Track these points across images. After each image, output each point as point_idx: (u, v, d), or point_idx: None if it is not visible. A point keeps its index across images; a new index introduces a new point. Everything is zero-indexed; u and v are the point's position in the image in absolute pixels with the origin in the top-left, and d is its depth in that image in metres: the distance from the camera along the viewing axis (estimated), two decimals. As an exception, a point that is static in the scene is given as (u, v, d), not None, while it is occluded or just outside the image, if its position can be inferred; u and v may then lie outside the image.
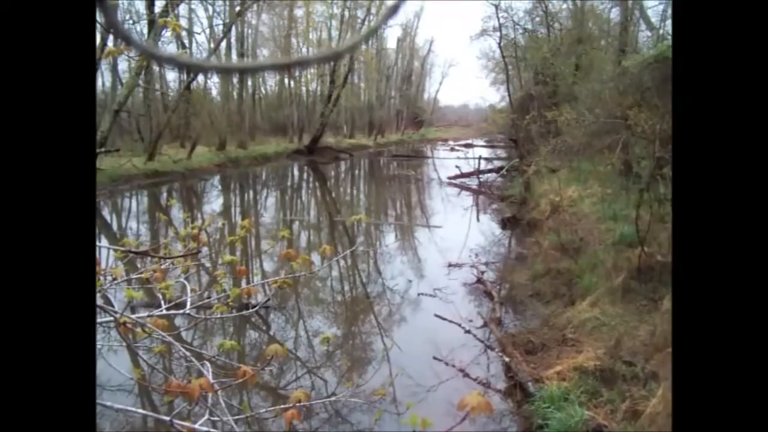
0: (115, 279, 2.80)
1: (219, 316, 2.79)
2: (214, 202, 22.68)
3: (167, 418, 2.19)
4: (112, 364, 4.03)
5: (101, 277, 2.70)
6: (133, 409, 3.86)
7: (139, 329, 2.51)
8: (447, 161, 34.91)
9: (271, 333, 8.69)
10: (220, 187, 27.50)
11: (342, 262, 12.48)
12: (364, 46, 51.11)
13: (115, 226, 17.15)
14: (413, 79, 72.85)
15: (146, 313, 2.67)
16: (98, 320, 2.71)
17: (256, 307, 4.34)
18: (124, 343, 2.67)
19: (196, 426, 2.16)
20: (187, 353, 2.66)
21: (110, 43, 23.64)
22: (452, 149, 49.08)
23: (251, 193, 26.84)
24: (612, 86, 12.01)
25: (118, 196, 21.82)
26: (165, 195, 23.65)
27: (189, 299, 2.88)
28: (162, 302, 2.85)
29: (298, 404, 2.20)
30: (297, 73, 47.56)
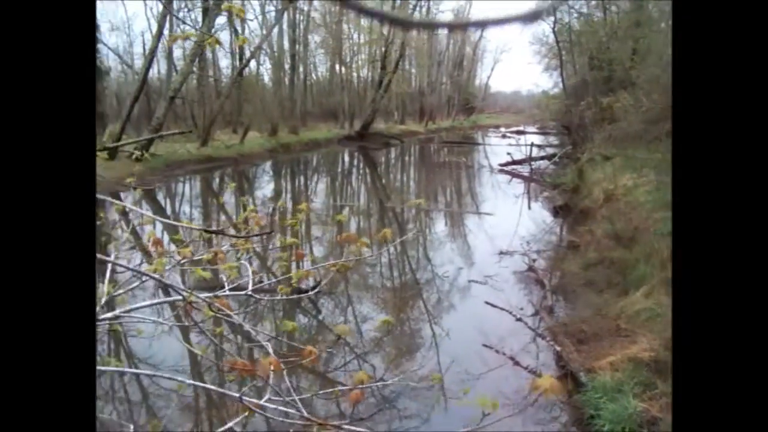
0: (183, 259, 2.85)
1: (281, 297, 2.83)
2: (265, 188, 22.95)
3: (237, 395, 2.23)
4: (180, 342, 4.10)
5: (166, 258, 2.74)
6: (205, 384, 3.87)
7: (201, 310, 2.54)
8: (498, 148, 34.55)
9: (320, 317, 8.76)
10: (271, 172, 27.81)
11: (391, 248, 12.49)
12: (414, 32, 50.86)
13: (168, 211, 17.51)
14: (465, 64, 72.22)
15: (206, 294, 2.70)
16: (168, 299, 2.77)
17: (316, 289, 4.37)
18: (175, 324, 2.72)
19: (262, 402, 2.19)
20: (253, 332, 2.73)
21: (166, 30, 24.09)
22: (504, 136, 48.52)
23: (302, 178, 27.08)
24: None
25: (172, 180, 22.26)
26: (217, 180, 24.05)
27: (250, 281, 2.93)
28: (225, 283, 2.90)
29: (361, 385, 2.21)
30: (348, 59, 47.67)
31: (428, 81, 59.87)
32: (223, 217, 15.16)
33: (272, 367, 2.14)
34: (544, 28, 27.65)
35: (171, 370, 6.54)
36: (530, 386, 1.72)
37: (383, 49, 44.09)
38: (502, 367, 6.77)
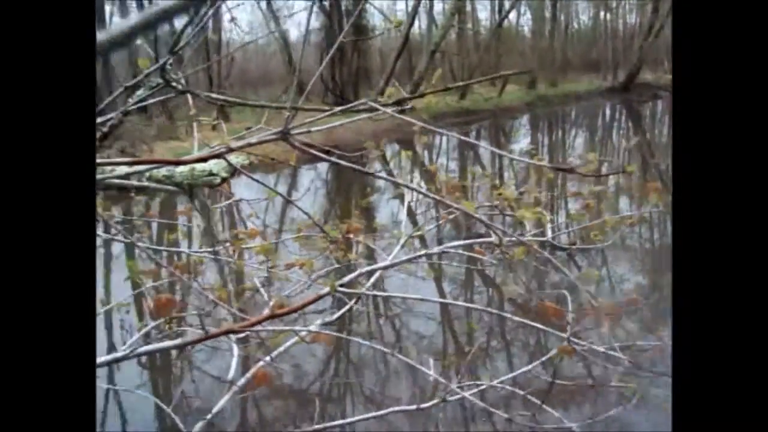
0: (498, 202, 3.01)
1: (576, 247, 2.92)
2: (521, 141, 22.80)
3: (565, 335, 2.38)
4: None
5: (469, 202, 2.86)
6: (531, 323, 3.92)
7: (508, 253, 2.62)
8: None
9: (572, 276, 8.57)
10: (528, 125, 27.50)
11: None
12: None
13: (426, 162, 18.20)
14: None
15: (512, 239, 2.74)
16: (478, 240, 2.93)
17: (608, 242, 4.20)
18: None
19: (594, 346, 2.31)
20: (570, 276, 2.89)
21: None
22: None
23: (560, 132, 26.43)
24: None
25: (430, 133, 22.97)
26: (474, 133, 24.40)
27: (548, 228, 3.05)
28: (524, 228, 3.03)
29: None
30: (614, 4, 44.94)
31: (706, 24, 54.23)
32: (478, 169, 15.39)
33: (611, 312, 2.25)
34: None
35: (424, 315, 6.91)
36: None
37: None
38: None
